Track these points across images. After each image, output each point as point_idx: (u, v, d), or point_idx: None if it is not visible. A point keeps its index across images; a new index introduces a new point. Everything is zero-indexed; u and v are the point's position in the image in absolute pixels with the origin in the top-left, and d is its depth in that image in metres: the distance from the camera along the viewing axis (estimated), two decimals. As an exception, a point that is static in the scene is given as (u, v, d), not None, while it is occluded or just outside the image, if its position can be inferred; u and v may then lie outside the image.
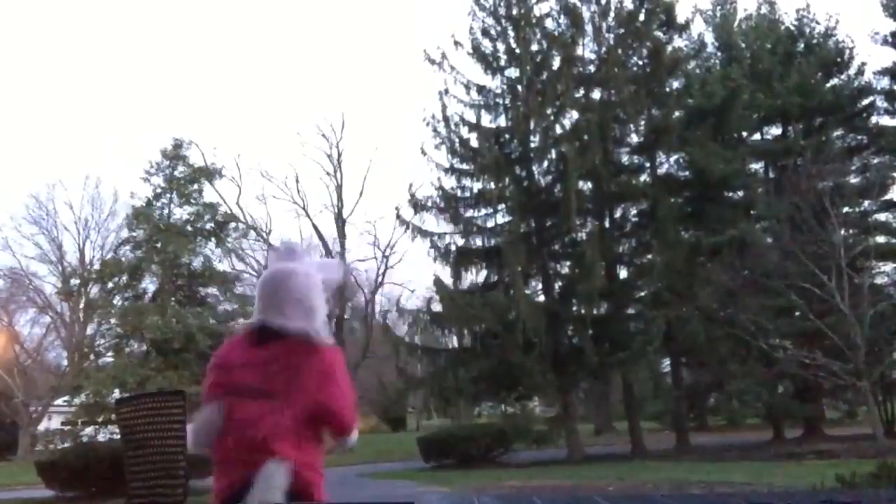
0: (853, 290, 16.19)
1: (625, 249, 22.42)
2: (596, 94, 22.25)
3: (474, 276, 21.32)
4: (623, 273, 22.23)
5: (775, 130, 26.30)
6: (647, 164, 23.01)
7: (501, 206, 20.72)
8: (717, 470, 13.07)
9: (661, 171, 23.02)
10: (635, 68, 22.08)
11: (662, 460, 17.18)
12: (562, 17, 21.67)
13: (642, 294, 21.88)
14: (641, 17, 21.81)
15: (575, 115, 20.90)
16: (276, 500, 1.97)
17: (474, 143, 21.07)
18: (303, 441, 2.13)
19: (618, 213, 22.56)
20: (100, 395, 22.73)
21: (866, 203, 23.21)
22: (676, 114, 21.92)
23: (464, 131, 21.18)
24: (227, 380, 2.22)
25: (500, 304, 19.73)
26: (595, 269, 18.90)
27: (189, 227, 26.59)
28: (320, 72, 71.63)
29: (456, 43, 21.17)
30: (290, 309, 2.18)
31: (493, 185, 20.65)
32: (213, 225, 27.57)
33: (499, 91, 21.29)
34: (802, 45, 26.21)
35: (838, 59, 25.90)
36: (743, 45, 26.24)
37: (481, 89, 21.24)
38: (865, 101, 25.66)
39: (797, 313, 18.92)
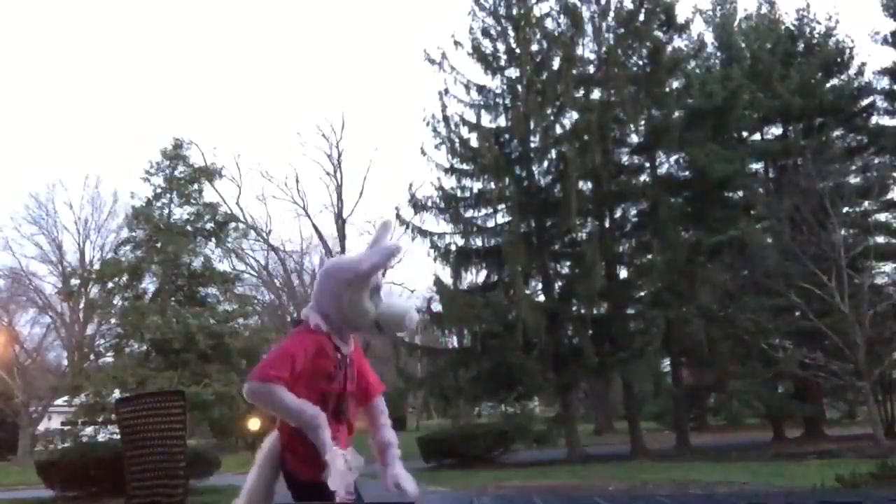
0: (853, 290, 16.18)
1: (625, 249, 22.40)
2: (596, 94, 22.22)
3: (474, 276, 21.34)
4: (623, 273, 22.21)
5: (775, 130, 26.27)
6: (647, 164, 22.99)
7: (501, 206, 20.72)
8: (717, 470, 13.07)
9: (661, 171, 23.00)
10: (635, 68, 22.06)
11: (662, 460, 17.17)
12: (562, 17, 21.64)
13: (642, 294, 21.86)
14: (641, 17, 21.77)
15: (575, 115, 20.89)
16: None
17: (474, 143, 21.07)
18: None
19: (618, 213, 22.53)
20: (100, 395, 22.69)
21: (866, 203, 23.19)
22: (676, 114, 21.89)
23: (464, 131, 21.19)
24: None
25: (500, 304, 19.72)
26: (595, 269, 18.89)
27: (189, 227, 26.55)
28: (320, 72, 71.65)
29: (456, 43, 21.19)
30: (315, 286, 2.70)
31: (493, 185, 20.65)
32: (213, 225, 27.53)
33: (499, 91, 21.30)
34: (802, 45, 26.19)
35: (838, 59, 25.87)
36: (743, 45, 26.21)
37: (481, 89, 21.24)
38: (865, 101, 25.64)
39: (797, 313, 18.91)
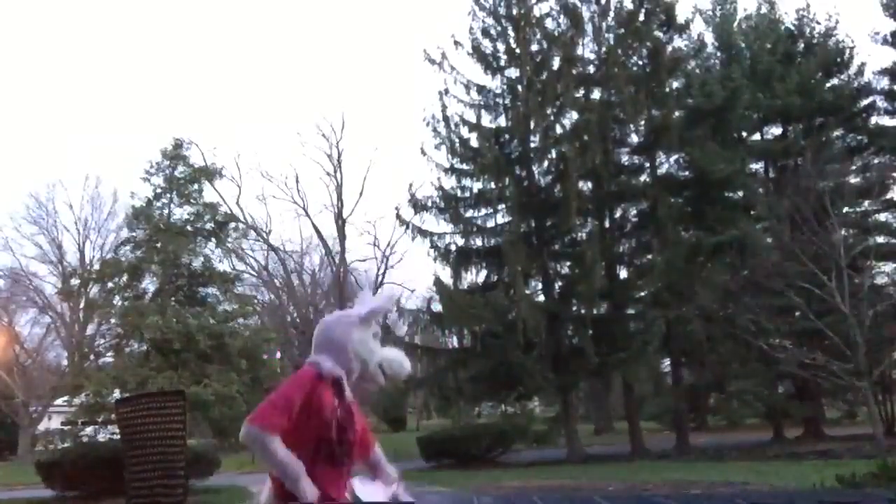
0: (853, 290, 16.17)
1: (625, 249, 22.40)
2: (596, 94, 22.23)
3: (474, 276, 21.35)
4: (623, 273, 22.22)
5: (775, 130, 26.27)
6: (647, 164, 22.98)
7: (501, 206, 20.73)
8: (717, 470, 13.08)
9: (661, 171, 22.99)
10: (635, 68, 22.06)
11: (662, 460, 17.18)
12: (562, 17, 21.66)
13: (642, 294, 21.86)
14: (641, 17, 21.79)
15: (575, 115, 20.90)
16: None
17: (474, 143, 21.08)
18: None
19: (618, 213, 22.54)
20: (100, 395, 22.65)
21: (866, 203, 23.19)
22: (676, 114, 21.89)
23: (464, 131, 21.20)
24: None
25: (500, 304, 19.73)
26: (595, 269, 18.90)
27: (189, 227, 26.51)
28: (320, 72, 71.65)
29: (456, 43, 21.19)
30: (314, 342, 2.71)
31: (493, 185, 20.66)
32: (213, 225, 27.48)
33: (499, 91, 21.31)
34: (802, 45, 26.18)
35: (838, 59, 25.87)
36: (743, 45, 26.20)
37: (481, 89, 21.24)
38: (865, 101, 25.64)
39: (797, 313, 18.91)
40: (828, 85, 25.56)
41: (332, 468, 2.52)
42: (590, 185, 21.64)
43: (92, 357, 28.82)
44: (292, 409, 2.43)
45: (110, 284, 26.23)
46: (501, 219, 21.06)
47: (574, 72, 20.91)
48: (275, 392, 2.54)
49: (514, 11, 21.09)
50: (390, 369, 2.72)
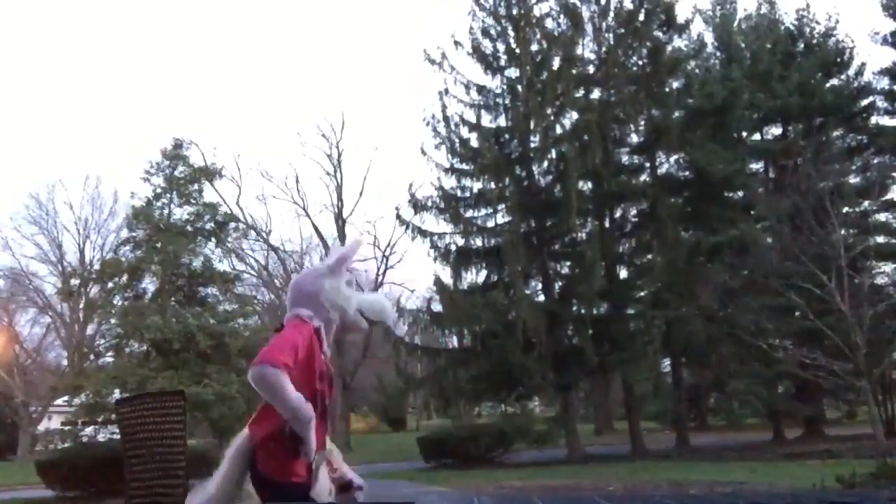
0: (853, 290, 16.18)
1: (625, 249, 22.42)
2: (596, 94, 22.24)
3: (474, 276, 21.30)
4: (623, 273, 22.23)
5: (775, 130, 26.32)
6: (647, 164, 23.00)
7: (501, 206, 20.71)
8: (717, 470, 13.08)
9: (661, 171, 23.01)
10: (635, 68, 22.07)
11: (662, 460, 17.18)
12: (562, 17, 21.66)
13: (642, 294, 21.87)
14: (641, 17, 21.79)
15: (575, 115, 20.89)
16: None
17: (474, 143, 21.06)
18: (262, 410, 2.48)
19: (618, 213, 22.56)
20: (100, 395, 22.65)
21: (866, 203, 23.21)
22: (676, 114, 21.91)
23: (464, 131, 21.18)
24: None
25: (500, 304, 19.72)
26: (595, 269, 18.89)
27: (189, 227, 26.51)
28: (320, 72, 71.62)
29: (456, 43, 21.17)
30: (289, 301, 2.67)
31: (493, 185, 20.64)
32: (213, 225, 27.49)
33: (499, 91, 21.29)
34: (802, 45, 26.22)
35: (838, 59, 25.90)
36: (743, 45, 26.24)
37: (481, 89, 21.23)
38: (865, 101, 25.67)
39: (797, 313, 18.92)
40: (828, 85, 25.58)
41: (321, 422, 2.49)
42: (590, 185, 21.64)
43: (92, 357, 28.83)
44: (296, 353, 2.40)
45: (110, 284, 26.22)
46: (501, 219, 21.04)
47: (574, 72, 20.90)
48: (276, 337, 2.48)
49: (514, 11, 21.08)
50: (372, 311, 2.67)
